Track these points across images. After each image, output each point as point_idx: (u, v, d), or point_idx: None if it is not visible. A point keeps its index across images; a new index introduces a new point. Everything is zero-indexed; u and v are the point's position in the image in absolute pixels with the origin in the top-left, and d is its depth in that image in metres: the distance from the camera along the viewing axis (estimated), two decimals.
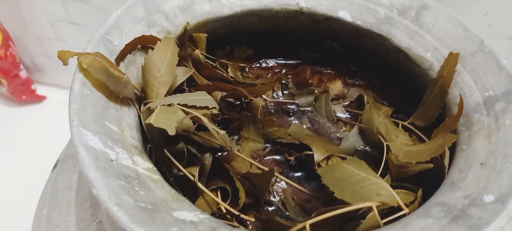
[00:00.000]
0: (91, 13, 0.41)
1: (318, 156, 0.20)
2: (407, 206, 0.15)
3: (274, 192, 0.21)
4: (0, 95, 0.51)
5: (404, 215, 0.15)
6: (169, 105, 0.17)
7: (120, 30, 0.20)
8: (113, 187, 0.14)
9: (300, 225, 0.14)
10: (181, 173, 0.19)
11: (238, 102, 0.24)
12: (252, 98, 0.24)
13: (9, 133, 0.49)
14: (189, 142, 0.20)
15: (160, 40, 0.19)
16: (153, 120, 0.16)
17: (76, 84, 0.17)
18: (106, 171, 0.14)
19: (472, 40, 0.20)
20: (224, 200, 0.19)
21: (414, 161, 0.18)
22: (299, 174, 0.21)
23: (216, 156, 0.20)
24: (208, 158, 0.20)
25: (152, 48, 0.19)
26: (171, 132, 0.15)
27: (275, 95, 0.26)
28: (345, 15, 0.24)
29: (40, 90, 0.52)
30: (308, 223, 0.14)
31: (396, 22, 0.23)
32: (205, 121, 0.17)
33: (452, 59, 0.20)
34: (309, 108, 0.25)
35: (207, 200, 0.19)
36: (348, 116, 0.25)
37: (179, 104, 0.17)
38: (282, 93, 0.26)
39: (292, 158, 0.22)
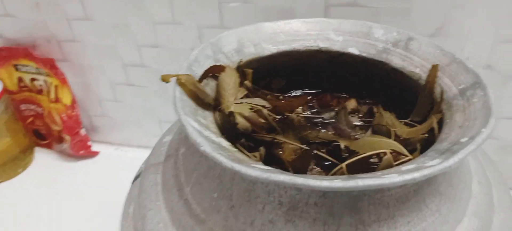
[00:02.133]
0: (146, 75, 0.50)
1: (342, 143, 0.27)
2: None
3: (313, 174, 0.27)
4: (62, 151, 0.59)
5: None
6: (239, 103, 0.24)
7: (198, 63, 0.28)
8: (212, 146, 0.21)
9: (338, 167, 0.21)
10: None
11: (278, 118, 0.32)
12: (288, 114, 0.31)
13: (69, 182, 0.56)
14: (248, 139, 0.27)
15: (226, 67, 0.27)
16: (233, 107, 0.23)
17: (177, 92, 0.24)
18: (205, 138, 0.21)
19: (447, 56, 0.27)
20: None
21: (414, 135, 0.24)
22: (328, 163, 0.28)
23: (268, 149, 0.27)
24: (262, 149, 0.27)
25: (219, 75, 0.27)
26: (246, 113, 0.22)
27: (304, 114, 0.33)
28: (353, 50, 0.32)
29: (94, 146, 0.59)
30: (344, 164, 0.21)
31: (392, 51, 0.31)
32: (265, 111, 0.24)
33: (434, 69, 0.27)
34: (332, 120, 0.32)
35: None
36: (363, 124, 0.31)
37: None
38: (310, 113, 0.33)
39: (323, 150, 0.28)
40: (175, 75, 0.25)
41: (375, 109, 0.31)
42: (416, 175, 0.18)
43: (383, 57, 0.31)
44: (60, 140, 0.57)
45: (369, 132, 0.29)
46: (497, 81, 0.40)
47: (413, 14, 0.38)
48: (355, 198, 0.21)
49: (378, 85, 0.33)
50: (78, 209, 0.51)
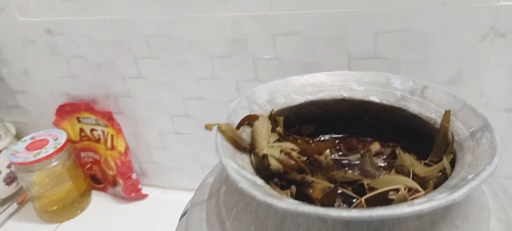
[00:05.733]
0: (191, 124, 0.55)
1: (365, 181, 0.29)
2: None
3: None
4: (115, 193, 0.64)
5: None
6: (271, 147, 0.28)
7: (235, 113, 0.32)
8: (248, 183, 0.24)
9: (357, 201, 0.23)
10: None
11: (308, 160, 0.35)
12: (317, 156, 0.34)
13: (122, 222, 0.60)
14: (280, 178, 0.30)
15: (259, 116, 0.31)
16: (266, 150, 0.26)
17: (218, 138, 0.28)
18: (243, 177, 0.25)
19: (458, 102, 0.30)
20: None
21: (430, 174, 0.27)
22: (354, 200, 0.30)
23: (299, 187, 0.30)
24: (293, 188, 0.30)
25: (254, 122, 0.31)
26: (277, 154, 0.26)
27: (332, 157, 0.36)
28: (374, 99, 0.35)
29: (144, 189, 0.64)
30: (363, 199, 0.23)
31: (409, 98, 0.33)
32: (294, 155, 0.28)
33: (447, 114, 0.29)
34: (358, 162, 0.34)
35: None
36: (386, 165, 0.34)
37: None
38: (337, 155, 0.36)
39: (349, 189, 0.31)
40: (216, 124, 0.29)
41: (397, 151, 0.33)
42: (424, 206, 0.20)
43: (401, 104, 0.33)
44: (114, 184, 0.63)
45: (392, 171, 0.32)
46: None
47: (431, 63, 0.40)
48: (376, 230, 0.23)
49: (399, 130, 0.35)
50: None
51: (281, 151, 0.28)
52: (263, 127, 0.30)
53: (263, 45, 0.44)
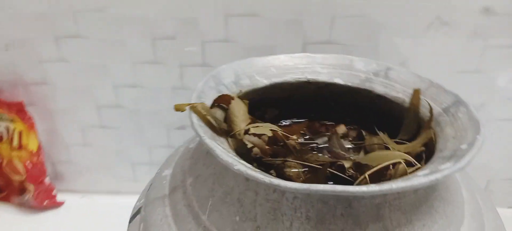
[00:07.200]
0: (121, 116, 0.49)
1: (345, 163, 0.28)
2: None
3: None
4: (22, 203, 0.53)
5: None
6: (256, 127, 0.25)
7: (204, 93, 0.28)
8: (233, 159, 0.21)
9: (362, 177, 0.22)
10: None
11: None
12: (286, 140, 0.32)
13: None
14: (259, 164, 0.27)
15: (233, 98, 0.28)
16: (253, 129, 0.24)
17: (194, 119, 0.25)
18: (236, 160, 0.22)
19: (424, 81, 0.31)
20: None
21: (412, 150, 0.27)
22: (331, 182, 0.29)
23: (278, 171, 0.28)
24: (273, 172, 0.27)
25: (229, 104, 0.28)
26: (269, 133, 0.23)
27: (299, 141, 0.34)
28: (339, 81, 0.35)
29: (58, 196, 0.55)
30: (367, 174, 0.22)
31: (374, 79, 0.34)
32: (278, 133, 0.25)
33: (416, 92, 0.30)
34: (326, 145, 0.34)
35: None
36: (354, 146, 0.34)
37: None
38: (303, 139, 0.35)
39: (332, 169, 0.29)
40: (189, 104, 0.25)
41: (364, 133, 0.33)
42: (438, 175, 0.20)
43: (366, 86, 0.34)
44: (21, 191, 0.53)
45: (361, 153, 0.31)
46: None
47: (381, 50, 0.42)
48: (378, 206, 0.22)
49: (361, 112, 0.35)
50: None
51: (270, 131, 0.25)
52: (240, 108, 0.27)
53: (213, 26, 0.41)
